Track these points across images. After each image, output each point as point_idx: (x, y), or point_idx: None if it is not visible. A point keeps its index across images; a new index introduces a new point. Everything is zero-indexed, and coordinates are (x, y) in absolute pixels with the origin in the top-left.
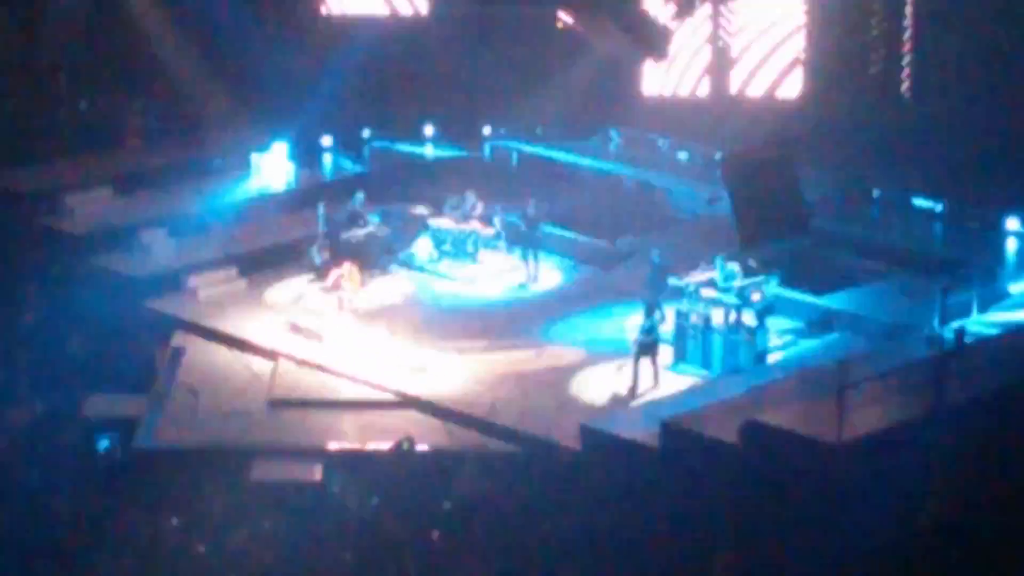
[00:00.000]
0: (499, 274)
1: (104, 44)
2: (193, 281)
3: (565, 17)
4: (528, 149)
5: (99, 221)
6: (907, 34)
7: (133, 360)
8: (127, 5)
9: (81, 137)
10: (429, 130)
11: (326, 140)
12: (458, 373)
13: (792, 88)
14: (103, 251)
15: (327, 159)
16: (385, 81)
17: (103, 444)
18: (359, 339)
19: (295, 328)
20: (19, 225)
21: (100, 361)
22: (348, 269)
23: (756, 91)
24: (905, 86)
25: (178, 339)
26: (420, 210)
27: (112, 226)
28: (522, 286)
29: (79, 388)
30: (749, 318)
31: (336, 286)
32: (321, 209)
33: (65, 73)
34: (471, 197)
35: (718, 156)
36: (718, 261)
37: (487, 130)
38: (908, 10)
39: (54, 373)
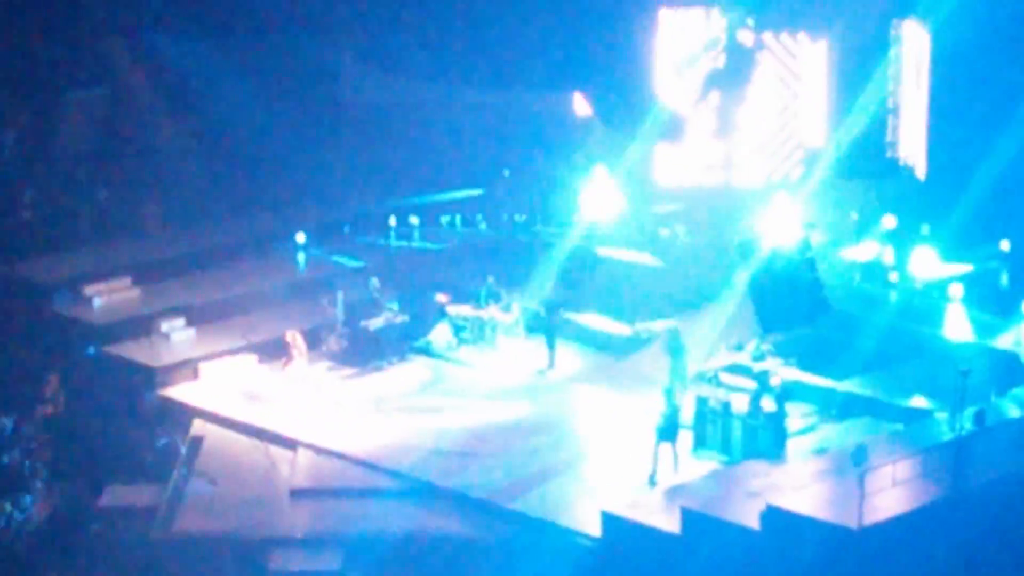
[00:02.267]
0: (518, 360)
1: (122, 135)
2: (211, 369)
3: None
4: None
5: (118, 310)
6: (923, 119)
7: (152, 449)
8: (144, 97)
9: (100, 227)
10: (445, 219)
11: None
12: (477, 459)
13: (805, 174)
14: (122, 340)
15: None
16: (405, 165)
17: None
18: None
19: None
20: (38, 315)
21: (119, 450)
22: (293, 336)
23: (769, 177)
24: (921, 171)
25: (197, 428)
26: (440, 297)
27: (131, 315)
28: (541, 372)
29: (98, 478)
30: (768, 402)
31: (288, 355)
32: (340, 296)
33: (84, 164)
34: (491, 283)
35: (736, 242)
36: (747, 345)
37: (519, 216)
38: (924, 95)
39: (73, 463)
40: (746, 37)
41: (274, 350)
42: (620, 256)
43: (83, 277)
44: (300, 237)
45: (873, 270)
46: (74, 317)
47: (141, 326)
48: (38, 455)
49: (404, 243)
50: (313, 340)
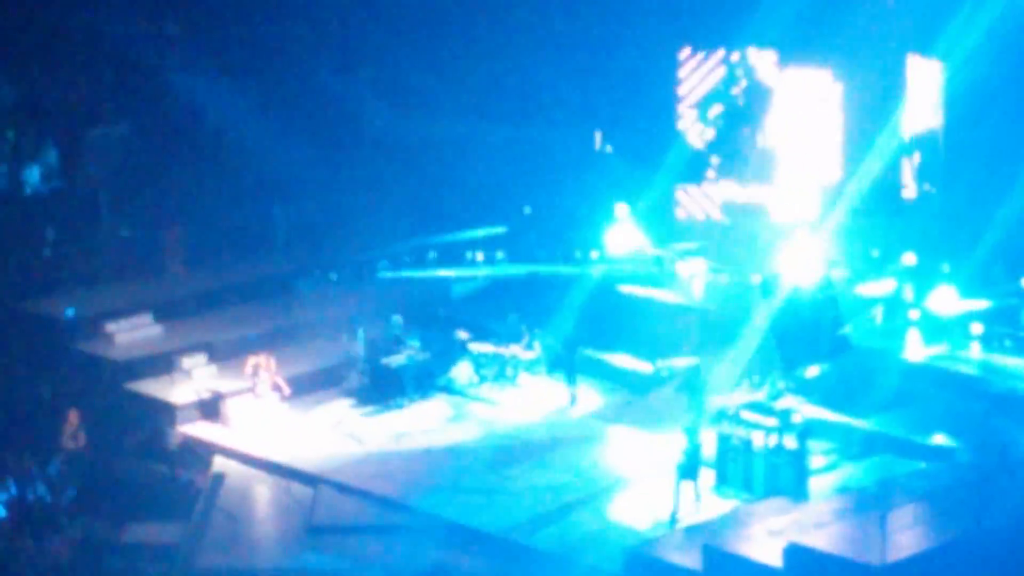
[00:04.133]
0: (539, 397)
1: (145, 172)
2: (233, 406)
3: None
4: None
5: (139, 347)
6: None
7: (173, 486)
8: (166, 134)
9: (122, 263)
10: (480, 256)
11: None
12: (497, 496)
13: (824, 211)
14: (143, 377)
15: None
16: (426, 202)
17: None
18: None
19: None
20: (60, 352)
21: (140, 487)
22: (264, 358)
23: (788, 214)
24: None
25: (218, 464)
26: (461, 334)
27: (152, 352)
28: (562, 409)
29: (120, 514)
30: (790, 440)
31: (255, 374)
32: (361, 333)
33: (106, 201)
34: (512, 320)
35: (757, 279)
36: (764, 382)
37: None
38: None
39: (95, 500)
40: (765, 74)
41: (296, 386)
42: (641, 293)
43: (104, 314)
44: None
45: (893, 307)
46: (95, 354)
47: (162, 363)
48: (60, 492)
49: (424, 276)
50: (334, 377)
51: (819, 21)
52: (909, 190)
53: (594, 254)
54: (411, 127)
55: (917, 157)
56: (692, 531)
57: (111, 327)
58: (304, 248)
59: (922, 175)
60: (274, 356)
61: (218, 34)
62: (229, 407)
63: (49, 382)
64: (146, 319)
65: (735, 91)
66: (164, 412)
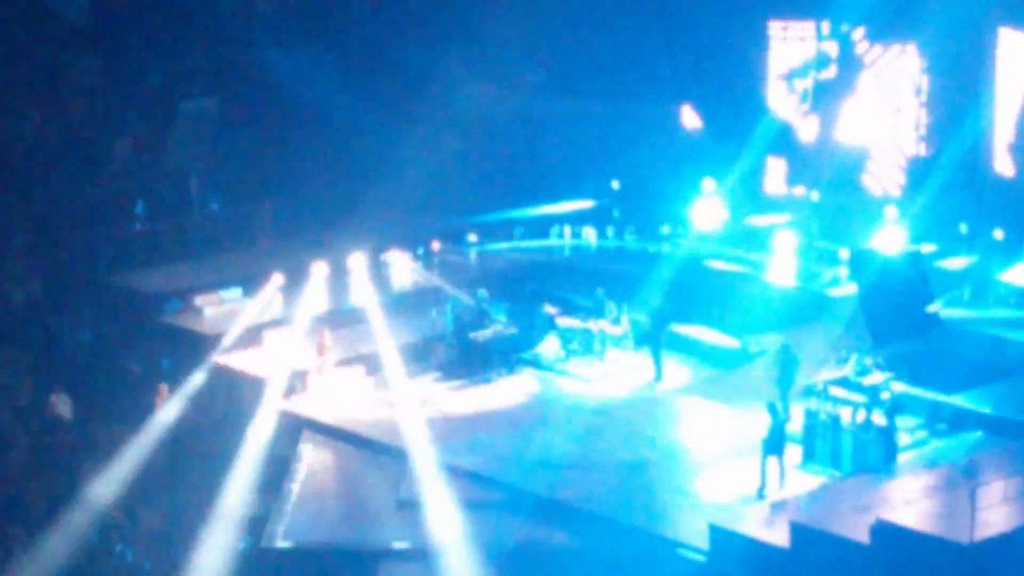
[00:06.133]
0: (626, 373)
1: (233, 146)
2: (320, 381)
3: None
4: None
5: (228, 321)
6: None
7: (263, 459)
8: (255, 108)
9: (212, 237)
10: (568, 230)
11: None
12: (584, 471)
13: (912, 186)
14: (232, 350)
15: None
16: (514, 176)
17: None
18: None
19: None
20: (149, 325)
21: (230, 460)
22: (324, 335)
23: (876, 189)
24: None
25: (307, 438)
26: (548, 309)
27: (241, 326)
28: (649, 385)
29: (210, 487)
30: (879, 416)
31: (321, 351)
32: (449, 307)
33: (196, 175)
34: (600, 295)
35: (847, 255)
36: (853, 357)
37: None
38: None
39: (185, 473)
40: (855, 48)
41: (383, 362)
42: (729, 268)
43: (194, 288)
44: (435, 245)
45: (981, 282)
46: (184, 327)
47: (251, 337)
48: (150, 466)
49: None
50: (422, 352)
51: None
52: (1001, 165)
53: (683, 229)
54: (499, 102)
55: (1008, 131)
56: (778, 507)
57: (200, 300)
58: (391, 222)
59: (1015, 149)
60: (334, 331)
61: (309, 10)
62: (316, 382)
63: (140, 355)
64: (235, 293)
65: (823, 65)
66: (252, 385)
